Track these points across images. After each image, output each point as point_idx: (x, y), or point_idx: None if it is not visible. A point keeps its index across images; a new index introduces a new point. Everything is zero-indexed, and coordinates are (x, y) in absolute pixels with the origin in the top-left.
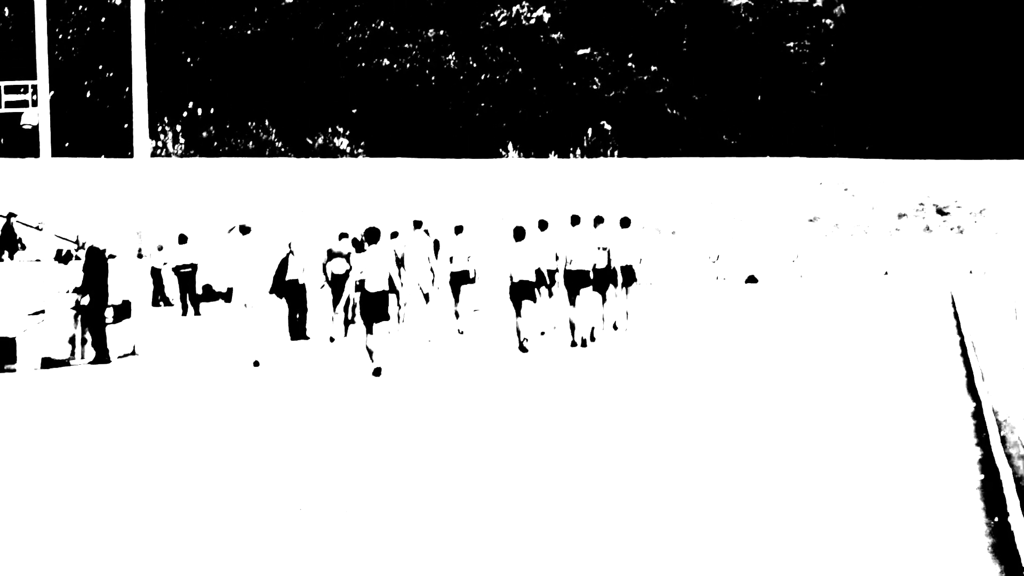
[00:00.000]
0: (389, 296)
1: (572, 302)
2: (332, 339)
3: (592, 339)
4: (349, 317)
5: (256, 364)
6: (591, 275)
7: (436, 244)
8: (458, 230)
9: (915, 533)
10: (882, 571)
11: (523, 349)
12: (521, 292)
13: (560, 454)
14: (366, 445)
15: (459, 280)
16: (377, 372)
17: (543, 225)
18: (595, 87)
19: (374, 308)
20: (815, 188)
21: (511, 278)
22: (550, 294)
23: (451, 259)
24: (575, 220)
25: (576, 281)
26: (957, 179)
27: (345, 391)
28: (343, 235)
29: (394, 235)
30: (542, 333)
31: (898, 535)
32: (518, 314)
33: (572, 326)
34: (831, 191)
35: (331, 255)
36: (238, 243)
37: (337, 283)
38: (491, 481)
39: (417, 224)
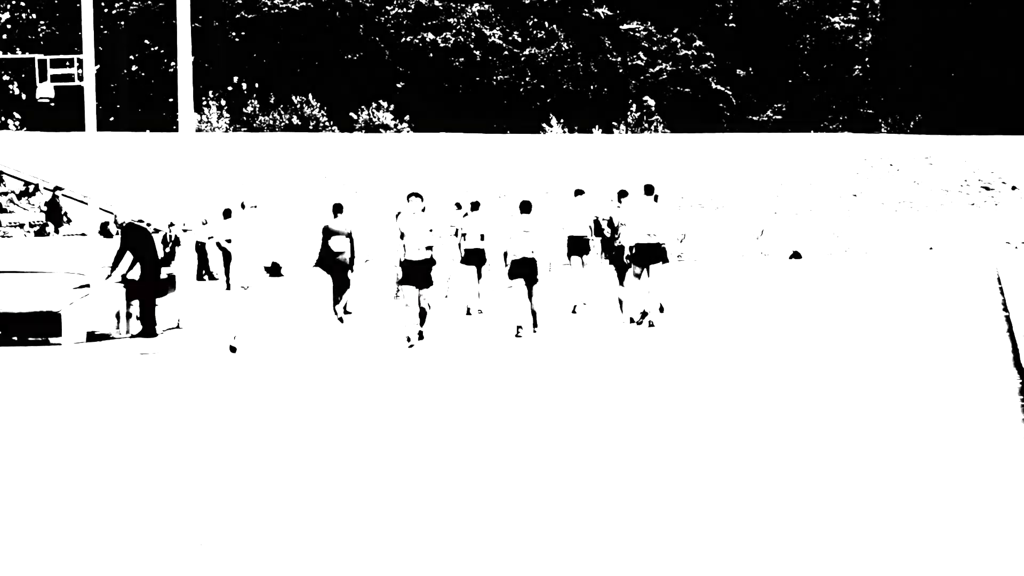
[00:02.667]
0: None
1: (638, 276)
2: (341, 319)
3: (645, 317)
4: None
5: (233, 350)
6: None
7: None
8: (475, 206)
9: (964, 510)
10: (941, 538)
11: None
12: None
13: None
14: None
15: (473, 259)
16: (420, 336)
17: (578, 192)
18: (640, 62)
19: (420, 275)
20: (860, 164)
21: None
22: (582, 263)
23: (464, 236)
24: (623, 194)
25: (646, 255)
26: (1003, 155)
27: (379, 366)
28: (338, 209)
29: (475, 206)
30: (574, 310)
31: (948, 513)
32: (530, 294)
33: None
34: (876, 167)
35: (328, 233)
36: (240, 220)
37: (337, 265)
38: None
39: (474, 205)
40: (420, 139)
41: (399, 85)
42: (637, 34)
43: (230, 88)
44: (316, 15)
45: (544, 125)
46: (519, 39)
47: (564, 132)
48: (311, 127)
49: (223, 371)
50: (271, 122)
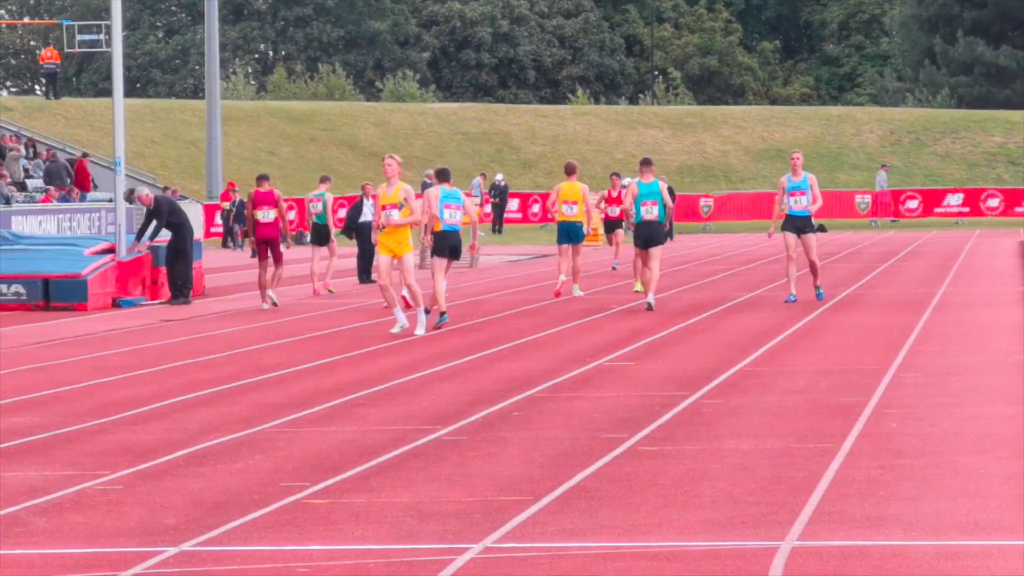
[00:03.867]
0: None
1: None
2: (331, 291)
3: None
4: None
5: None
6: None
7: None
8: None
9: None
10: None
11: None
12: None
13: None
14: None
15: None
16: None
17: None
18: (666, 34)
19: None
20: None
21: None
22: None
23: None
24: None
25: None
26: None
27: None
28: (324, 178)
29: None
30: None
31: None
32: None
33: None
34: (902, 138)
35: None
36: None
37: (319, 232)
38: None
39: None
40: (446, 108)
41: (425, 54)
42: (664, 4)
43: (256, 56)
44: None
45: (570, 95)
46: (545, 8)
47: (591, 103)
48: (337, 96)
49: (255, 328)
50: (297, 90)
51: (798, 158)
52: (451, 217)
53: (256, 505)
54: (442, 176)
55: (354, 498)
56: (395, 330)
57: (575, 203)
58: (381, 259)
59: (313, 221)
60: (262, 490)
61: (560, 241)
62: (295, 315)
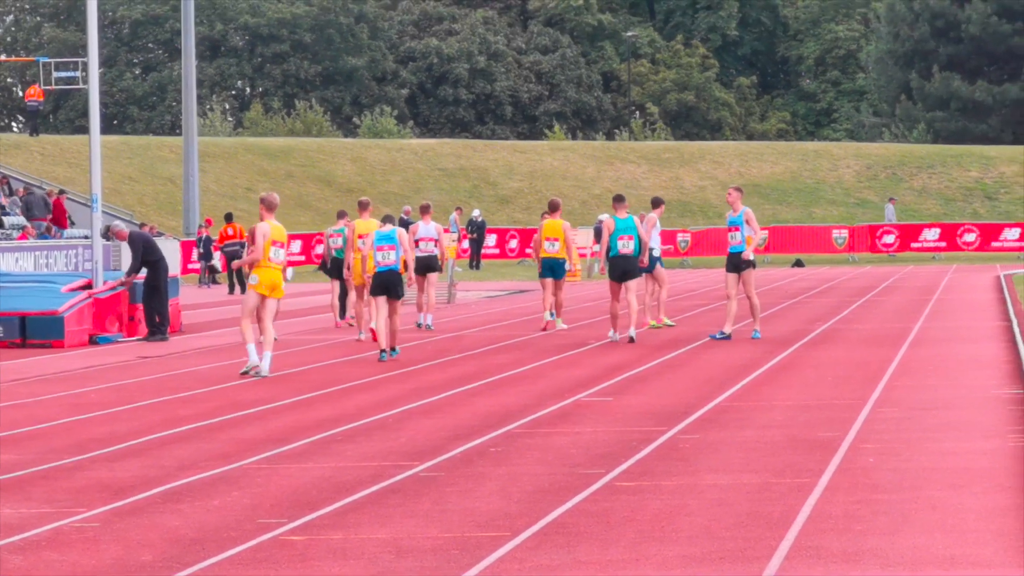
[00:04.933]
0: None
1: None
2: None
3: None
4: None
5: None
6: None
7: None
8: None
9: None
10: None
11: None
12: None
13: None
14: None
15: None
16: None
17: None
18: (643, 69)
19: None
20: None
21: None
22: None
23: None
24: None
25: (622, 268)
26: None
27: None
28: (342, 213)
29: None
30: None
31: None
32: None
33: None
34: (878, 173)
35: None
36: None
37: (339, 265)
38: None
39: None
40: (423, 144)
41: (402, 91)
42: (640, 41)
43: (233, 93)
44: (321, 20)
45: (547, 131)
46: (522, 45)
47: (567, 138)
48: (314, 132)
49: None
50: (274, 127)
51: (732, 193)
52: (384, 258)
53: (233, 542)
54: (385, 219)
55: (331, 534)
56: (245, 369)
57: (556, 240)
58: (251, 295)
59: (333, 255)
60: (239, 527)
61: (543, 275)
62: (272, 352)
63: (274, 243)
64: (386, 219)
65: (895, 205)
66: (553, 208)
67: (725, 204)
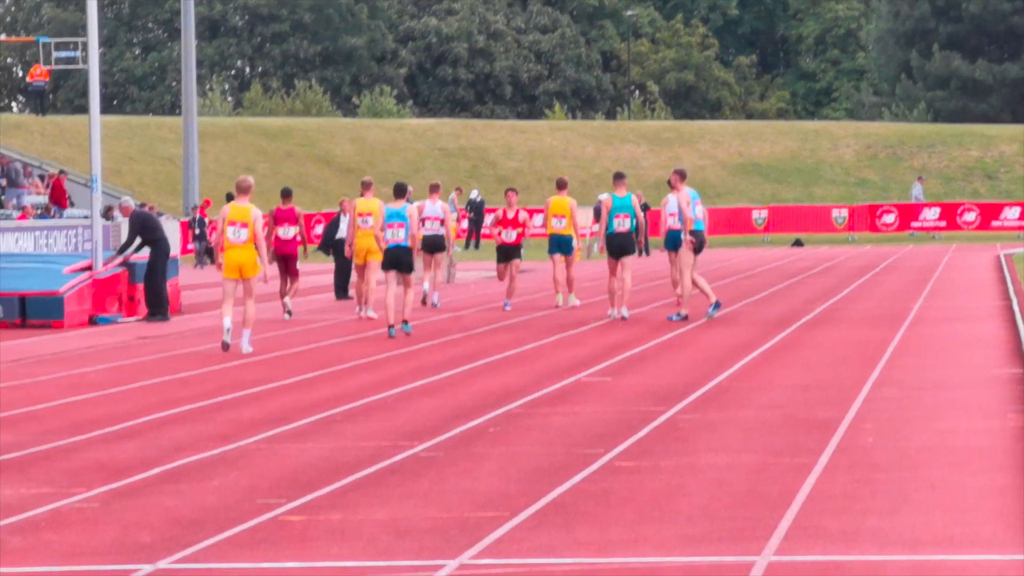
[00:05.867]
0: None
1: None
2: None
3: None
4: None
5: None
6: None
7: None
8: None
9: None
10: None
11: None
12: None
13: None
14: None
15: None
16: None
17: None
18: (643, 48)
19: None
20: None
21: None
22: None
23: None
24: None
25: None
26: None
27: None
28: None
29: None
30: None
31: None
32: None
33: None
34: (878, 153)
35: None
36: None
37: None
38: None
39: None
40: (423, 124)
41: (401, 71)
42: (640, 20)
43: (233, 72)
44: (319, 0)
45: (547, 110)
46: (522, 24)
47: (567, 117)
48: (314, 111)
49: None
50: (274, 107)
51: (673, 177)
52: (394, 235)
53: (232, 522)
54: (398, 192)
55: (330, 515)
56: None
57: (563, 217)
58: (225, 282)
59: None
60: (238, 507)
61: (551, 251)
62: (272, 332)
63: (231, 223)
64: (399, 188)
65: (923, 184)
66: (560, 186)
67: (724, 184)
